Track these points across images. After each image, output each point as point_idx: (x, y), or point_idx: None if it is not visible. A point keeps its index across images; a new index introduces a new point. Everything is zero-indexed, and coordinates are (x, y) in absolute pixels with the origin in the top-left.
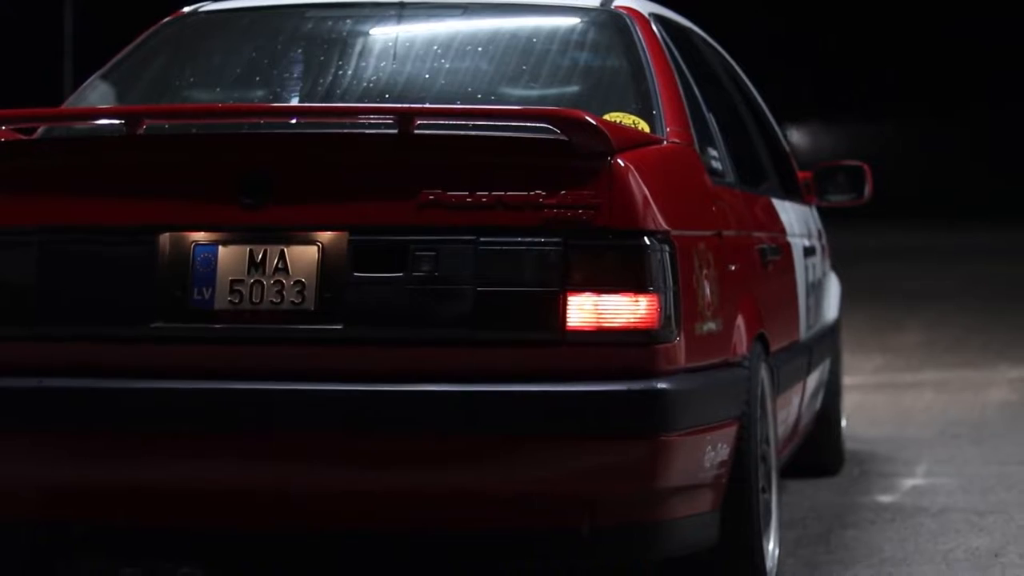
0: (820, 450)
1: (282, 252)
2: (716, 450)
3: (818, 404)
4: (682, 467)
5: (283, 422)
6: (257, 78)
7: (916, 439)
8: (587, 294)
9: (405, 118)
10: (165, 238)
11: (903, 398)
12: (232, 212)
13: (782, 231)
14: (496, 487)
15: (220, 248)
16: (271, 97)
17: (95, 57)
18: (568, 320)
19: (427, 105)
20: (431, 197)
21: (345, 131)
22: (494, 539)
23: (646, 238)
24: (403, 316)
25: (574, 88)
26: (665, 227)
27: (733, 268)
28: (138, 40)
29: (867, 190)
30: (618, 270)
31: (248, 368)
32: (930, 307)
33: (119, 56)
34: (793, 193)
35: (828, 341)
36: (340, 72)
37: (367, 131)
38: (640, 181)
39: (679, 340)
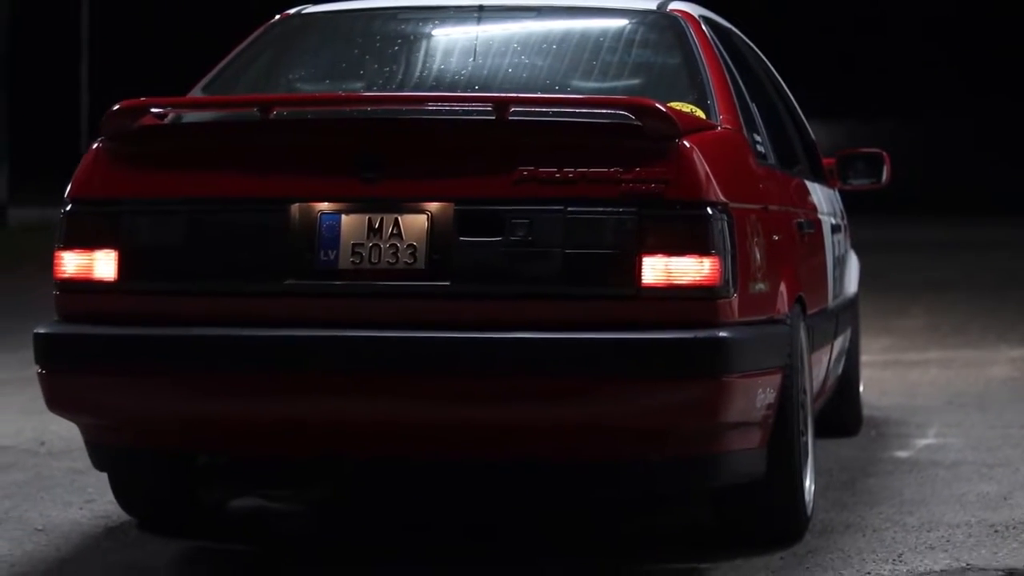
0: (841, 412)
1: (396, 220)
2: (765, 393)
3: (840, 369)
4: (738, 406)
5: (397, 365)
6: (358, 71)
7: (925, 407)
8: (659, 256)
9: (501, 105)
10: (295, 208)
11: (910, 373)
12: (353, 185)
13: (814, 209)
14: (582, 423)
15: (343, 216)
16: (373, 87)
17: (111, 54)
18: (643, 278)
19: (519, 94)
20: (525, 173)
21: (449, 116)
22: (580, 469)
23: (708, 208)
24: (502, 274)
25: (636, 81)
26: (724, 199)
27: (776, 238)
28: (249, 39)
29: (885, 175)
30: (685, 235)
31: (368, 318)
32: (932, 295)
33: (234, 52)
34: (820, 177)
35: (850, 312)
36: (430, 66)
37: (468, 116)
38: (702, 160)
39: (735, 297)
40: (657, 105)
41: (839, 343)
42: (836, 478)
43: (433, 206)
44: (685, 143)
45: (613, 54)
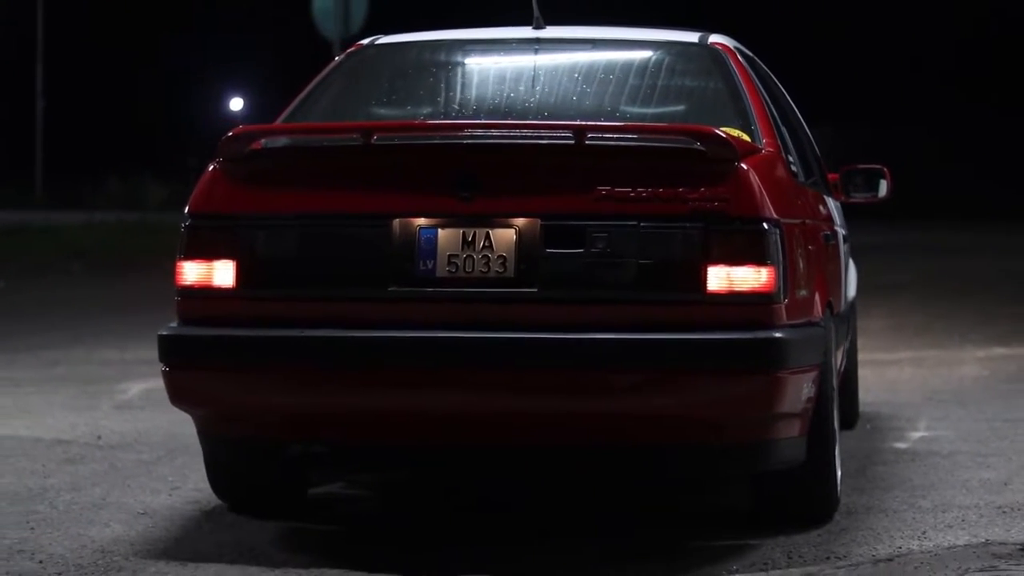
0: (840, 406)
1: (487, 234)
2: (807, 387)
3: (843, 365)
4: (788, 398)
5: (491, 362)
6: (431, 98)
7: (908, 403)
8: (722, 265)
9: (580, 132)
10: (396, 223)
11: (887, 372)
12: (449, 203)
13: (832, 221)
14: (654, 411)
15: (439, 230)
16: (447, 114)
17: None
18: (708, 285)
19: (595, 122)
20: (602, 192)
21: (535, 141)
22: (651, 452)
23: (764, 223)
24: (583, 282)
25: (686, 107)
26: (776, 216)
27: (811, 249)
28: (328, 68)
29: (885, 189)
30: (745, 248)
31: (462, 321)
32: (893, 297)
33: (316, 79)
34: (828, 190)
35: (852, 313)
36: (499, 93)
37: (551, 141)
38: (757, 180)
39: (786, 301)
40: (718, 132)
41: (846, 342)
42: (847, 467)
43: (520, 221)
44: (742, 165)
45: (663, 83)
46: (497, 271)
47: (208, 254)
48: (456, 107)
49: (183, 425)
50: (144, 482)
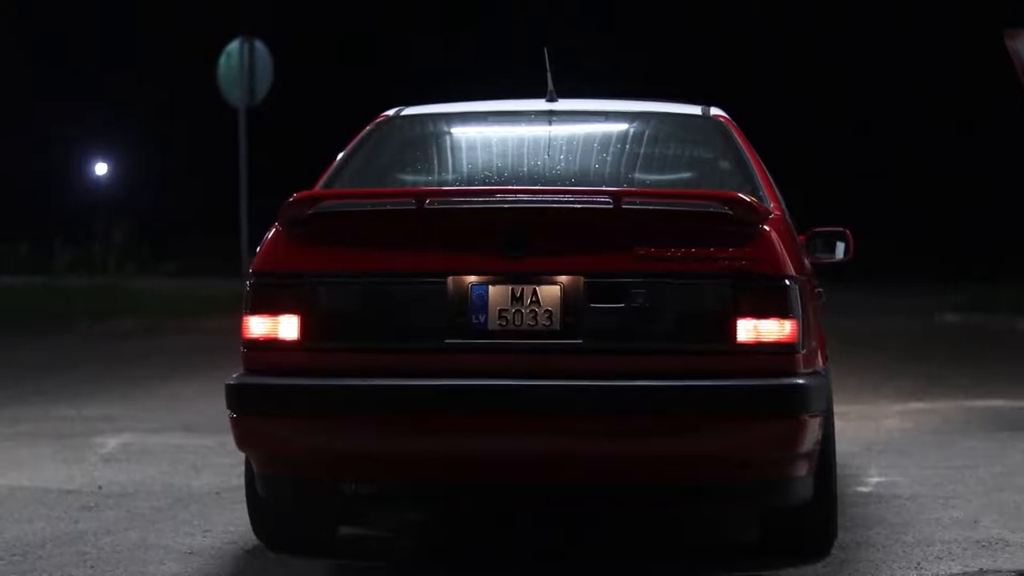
0: None
1: (535, 290)
2: (817, 430)
3: None
4: (807, 438)
5: (540, 407)
6: (467, 165)
7: (851, 452)
8: (750, 319)
9: (616, 197)
10: (451, 280)
11: None
12: (497, 262)
13: (814, 277)
14: (689, 452)
15: (489, 287)
16: (482, 179)
17: None
18: (738, 337)
19: (631, 188)
20: (639, 251)
21: (576, 205)
22: (684, 489)
23: (787, 280)
24: (624, 334)
25: (698, 174)
26: (795, 273)
27: (812, 304)
28: (359, 137)
29: (842, 252)
30: (771, 302)
31: (513, 370)
32: None
33: (350, 147)
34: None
35: None
36: (524, 161)
37: (591, 205)
38: (779, 241)
39: (804, 352)
40: (744, 196)
41: None
42: None
43: (564, 278)
44: (765, 227)
45: (675, 152)
46: (544, 324)
47: (273, 309)
48: (487, 174)
49: (175, 476)
50: (171, 526)
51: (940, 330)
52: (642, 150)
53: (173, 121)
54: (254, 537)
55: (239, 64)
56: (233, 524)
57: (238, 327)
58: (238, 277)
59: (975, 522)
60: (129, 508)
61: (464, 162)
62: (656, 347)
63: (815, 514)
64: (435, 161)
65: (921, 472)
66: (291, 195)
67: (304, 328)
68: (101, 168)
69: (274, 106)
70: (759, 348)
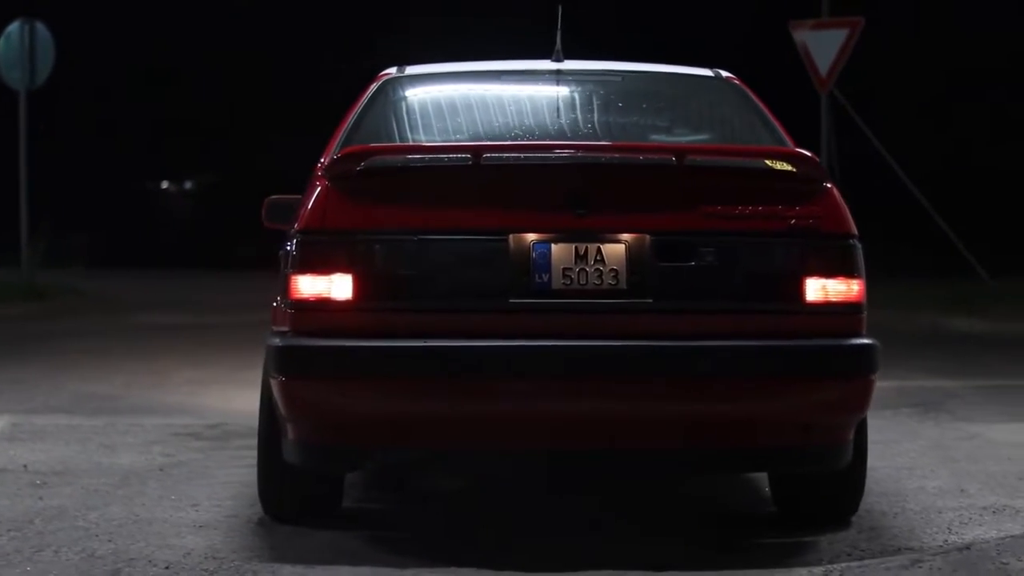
0: None
1: (599, 248)
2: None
3: None
4: (871, 401)
5: (607, 369)
6: (490, 124)
7: None
8: (818, 278)
9: (680, 152)
10: (512, 238)
11: None
12: (561, 219)
13: None
14: (756, 414)
15: (552, 245)
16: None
17: None
18: (807, 296)
19: (693, 144)
20: (705, 209)
21: (642, 162)
22: (744, 453)
23: (852, 239)
24: (692, 293)
25: (727, 133)
26: (857, 232)
27: None
28: (364, 96)
29: None
30: (839, 262)
31: (580, 330)
32: None
33: (360, 105)
34: None
35: None
36: (551, 119)
37: (655, 162)
38: (841, 199)
39: (866, 312)
40: (808, 154)
41: None
42: None
43: (628, 236)
44: (828, 185)
45: (701, 112)
46: (610, 283)
47: (324, 268)
48: (516, 132)
49: (94, 455)
50: (148, 501)
51: None
52: (667, 110)
53: None
54: (250, 510)
55: (19, 46)
56: (216, 498)
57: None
58: (17, 266)
59: (962, 491)
60: (82, 485)
61: (487, 121)
62: (724, 306)
63: (849, 480)
64: (458, 119)
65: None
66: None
67: (358, 288)
68: None
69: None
70: (827, 308)
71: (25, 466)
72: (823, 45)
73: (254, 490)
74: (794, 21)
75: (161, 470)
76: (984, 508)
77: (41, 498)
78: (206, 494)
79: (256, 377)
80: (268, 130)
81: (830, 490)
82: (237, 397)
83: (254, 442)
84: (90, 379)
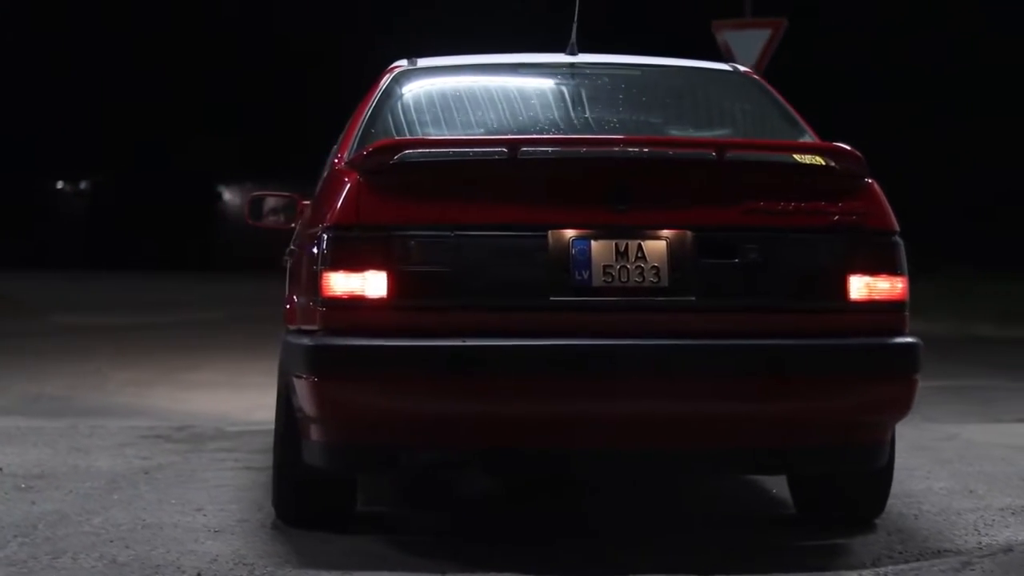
0: None
1: (639, 245)
2: None
3: None
4: (914, 400)
5: (649, 368)
6: (513, 117)
7: None
8: (862, 275)
9: (721, 147)
10: (551, 234)
11: None
12: (601, 214)
13: None
14: (799, 414)
15: (592, 242)
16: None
17: None
18: (851, 294)
19: (734, 139)
20: (747, 205)
21: (683, 157)
22: (787, 452)
23: (895, 236)
24: (735, 290)
25: (755, 128)
26: (898, 228)
27: None
28: (377, 89)
29: None
30: (882, 259)
31: (621, 329)
32: None
33: (373, 99)
34: None
35: None
36: (574, 113)
37: (695, 157)
38: (883, 195)
39: (909, 310)
40: (850, 149)
41: None
42: None
43: (668, 233)
44: (871, 181)
45: (722, 105)
46: (652, 280)
47: (357, 265)
48: (540, 126)
49: (70, 457)
50: (147, 505)
51: None
52: (691, 104)
53: None
54: (258, 515)
55: None
56: (218, 502)
57: None
58: None
59: (970, 491)
60: (71, 489)
61: (509, 114)
62: (767, 304)
63: (879, 481)
64: (480, 113)
65: None
66: None
67: (393, 285)
68: None
69: None
70: (872, 306)
71: (1, 468)
72: (746, 45)
73: (252, 494)
74: (716, 21)
75: (146, 473)
76: (1001, 510)
77: (34, 503)
78: (205, 498)
79: (197, 379)
80: (169, 130)
81: (855, 492)
82: (186, 399)
83: (229, 444)
84: (34, 380)
